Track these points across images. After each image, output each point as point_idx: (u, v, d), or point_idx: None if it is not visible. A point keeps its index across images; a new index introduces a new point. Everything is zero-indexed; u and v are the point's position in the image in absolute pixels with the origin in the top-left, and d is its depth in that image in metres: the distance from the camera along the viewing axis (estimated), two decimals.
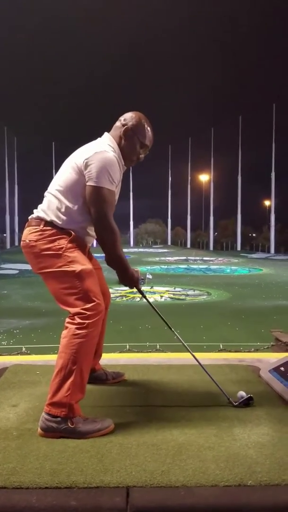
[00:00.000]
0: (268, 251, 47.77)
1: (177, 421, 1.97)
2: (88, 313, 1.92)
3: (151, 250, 47.81)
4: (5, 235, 52.57)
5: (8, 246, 49.71)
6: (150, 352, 3.58)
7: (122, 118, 2.19)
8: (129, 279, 2.16)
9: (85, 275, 1.98)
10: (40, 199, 2.19)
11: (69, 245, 2.02)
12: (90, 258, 2.26)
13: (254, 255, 42.30)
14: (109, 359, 2.85)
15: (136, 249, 46.90)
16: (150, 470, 1.56)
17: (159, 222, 71.54)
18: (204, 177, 58.58)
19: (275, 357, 2.94)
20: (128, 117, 2.18)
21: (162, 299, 15.35)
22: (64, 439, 1.80)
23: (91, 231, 2.14)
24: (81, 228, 2.10)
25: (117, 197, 2.17)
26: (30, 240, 2.06)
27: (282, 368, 2.49)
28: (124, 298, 15.06)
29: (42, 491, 1.45)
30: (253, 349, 3.90)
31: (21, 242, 2.13)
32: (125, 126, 2.15)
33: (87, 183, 1.99)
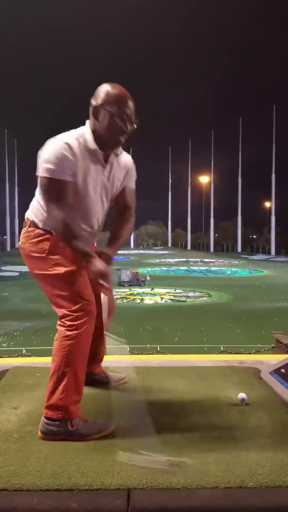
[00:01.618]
0: (269, 253, 47.77)
1: (178, 423, 1.97)
2: (76, 314, 1.88)
3: (151, 252, 47.86)
4: (5, 237, 52.62)
5: (8, 248, 49.73)
6: (150, 354, 3.58)
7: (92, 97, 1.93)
8: (94, 270, 1.91)
9: (70, 277, 1.91)
10: None
11: (52, 247, 1.95)
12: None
13: (254, 257, 42.34)
14: (110, 361, 2.85)
15: (136, 251, 46.92)
16: (151, 472, 1.55)
17: (159, 224, 71.62)
18: (204, 179, 58.72)
19: (276, 359, 2.94)
20: (96, 94, 1.91)
21: (163, 301, 15.35)
22: (65, 441, 1.80)
23: (85, 225, 2.02)
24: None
25: (92, 189, 1.96)
26: (21, 242, 2.06)
27: (283, 370, 2.48)
28: (124, 300, 15.05)
29: (43, 493, 1.45)
30: (254, 351, 3.90)
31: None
32: (93, 106, 1.90)
33: None
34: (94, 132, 1.92)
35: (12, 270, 24.93)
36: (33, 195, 2.10)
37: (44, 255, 1.95)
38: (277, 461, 1.64)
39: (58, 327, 1.93)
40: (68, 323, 1.89)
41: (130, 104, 1.89)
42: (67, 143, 1.85)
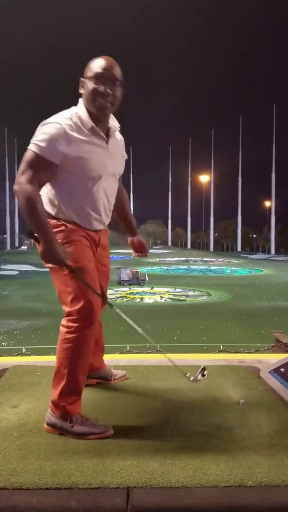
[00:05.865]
0: (269, 252, 47.83)
1: (177, 422, 1.97)
2: (77, 316, 1.86)
3: (151, 251, 47.82)
4: (5, 236, 52.62)
5: (8, 247, 49.72)
6: (150, 353, 3.57)
7: None
8: (51, 254, 1.79)
9: (78, 272, 1.86)
10: None
11: (65, 239, 1.90)
12: (104, 248, 2.12)
13: (254, 256, 42.39)
14: (109, 360, 2.85)
15: None
16: (150, 470, 1.56)
17: (159, 223, 71.63)
18: (204, 178, 58.77)
19: (275, 358, 2.94)
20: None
21: (162, 300, 15.36)
22: (65, 440, 1.80)
23: (95, 212, 1.96)
24: (78, 211, 1.92)
25: (96, 170, 1.90)
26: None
27: (282, 369, 2.49)
28: (124, 299, 15.05)
29: (43, 492, 1.45)
30: (253, 350, 3.89)
31: None
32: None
33: None
34: (87, 108, 1.90)
35: (12, 269, 24.92)
36: None
37: None
38: (276, 460, 1.64)
39: (60, 327, 1.93)
40: (69, 323, 1.88)
41: (102, 62, 1.86)
42: (63, 128, 1.81)
